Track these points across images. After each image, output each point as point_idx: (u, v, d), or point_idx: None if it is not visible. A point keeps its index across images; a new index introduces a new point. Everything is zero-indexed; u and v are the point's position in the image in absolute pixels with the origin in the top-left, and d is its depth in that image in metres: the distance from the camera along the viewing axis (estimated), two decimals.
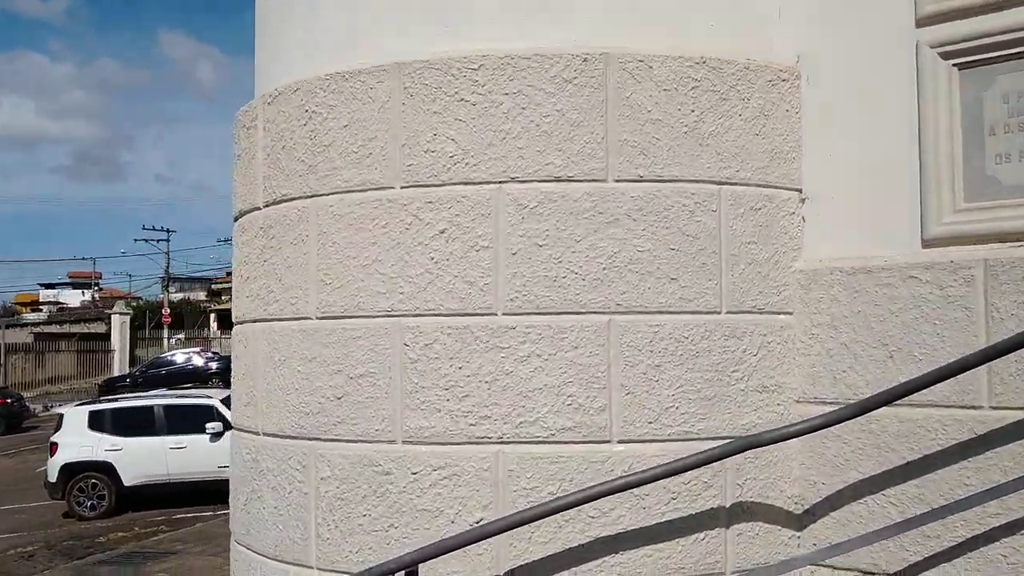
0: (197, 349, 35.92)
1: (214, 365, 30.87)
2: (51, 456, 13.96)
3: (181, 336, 47.52)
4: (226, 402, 14.27)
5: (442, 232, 3.45)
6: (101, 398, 18.38)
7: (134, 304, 53.12)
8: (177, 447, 13.93)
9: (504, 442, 3.36)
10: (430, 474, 3.42)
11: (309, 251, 3.70)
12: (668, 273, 3.38)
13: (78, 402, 16.83)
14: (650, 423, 3.35)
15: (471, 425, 3.40)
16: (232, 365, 4.43)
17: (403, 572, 3.22)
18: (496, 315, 3.40)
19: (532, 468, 3.35)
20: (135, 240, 59.81)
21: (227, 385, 10.81)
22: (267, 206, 3.95)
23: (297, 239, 3.77)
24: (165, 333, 46.46)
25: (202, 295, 78.98)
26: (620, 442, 3.34)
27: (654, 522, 3.32)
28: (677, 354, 3.37)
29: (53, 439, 14.14)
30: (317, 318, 3.67)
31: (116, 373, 35.74)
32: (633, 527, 3.32)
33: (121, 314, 39.54)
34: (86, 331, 43.65)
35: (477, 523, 3.34)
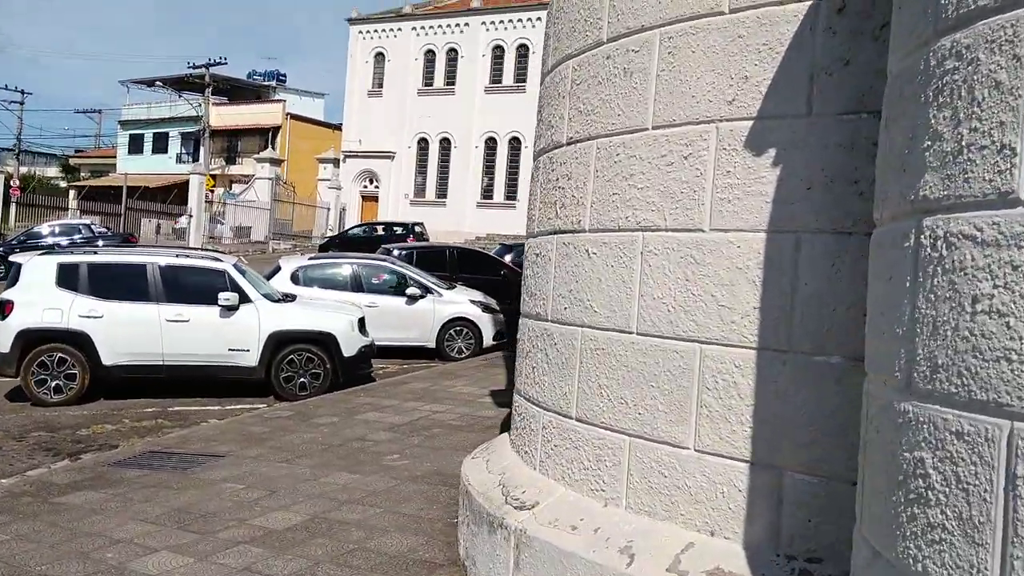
0: (91, 220, 31.16)
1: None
2: (1, 318, 10.43)
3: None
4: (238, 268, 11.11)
5: None
6: (71, 249, 14.54)
7: None
8: (177, 319, 10.67)
9: None
10: None
11: None
12: None
13: (42, 251, 12.94)
14: None
15: None
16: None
17: None
18: None
19: None
20: None
21: None
22: None
23: None
24: (12, 209, 40.48)
25: (51, 171, 71.70)
26: None
27: None
28: None
29: (5, 296, 10.55)
30: None
31: None
32: None
33: None
34: None
35: None
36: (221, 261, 11.44)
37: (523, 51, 42.73)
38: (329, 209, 45.85)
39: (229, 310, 10.74)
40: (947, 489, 2.26)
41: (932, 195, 2.37)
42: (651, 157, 4.36)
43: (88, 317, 10.46)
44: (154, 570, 5.19)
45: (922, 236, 2.40)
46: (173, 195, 49.44)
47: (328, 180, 46.89)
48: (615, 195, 4.55)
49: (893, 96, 2.76)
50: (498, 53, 43.65)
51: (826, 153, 3.72)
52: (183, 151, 59.20)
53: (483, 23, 43.96)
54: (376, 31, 47.19)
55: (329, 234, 42.59)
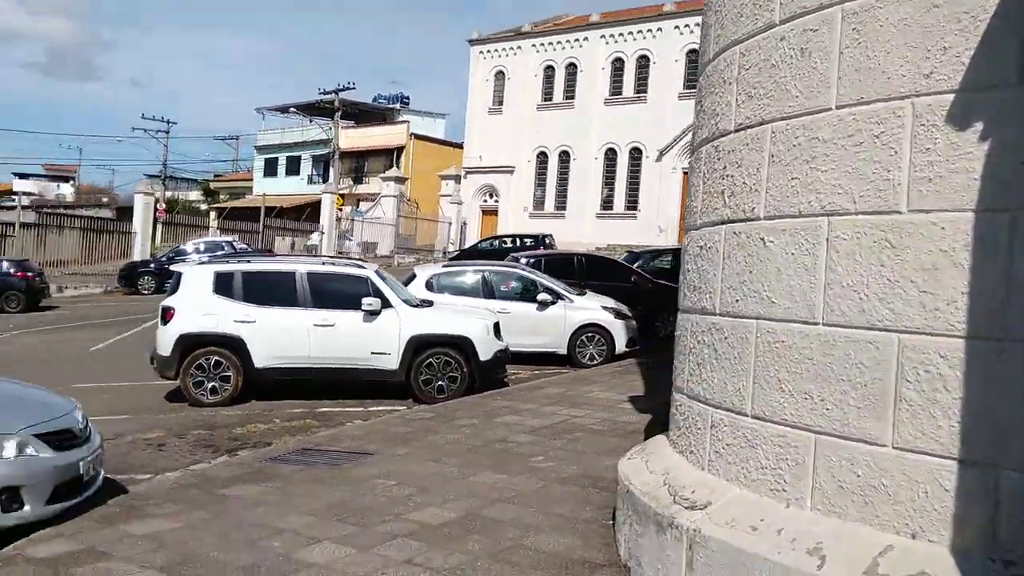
0: (232, 238, 32.60)
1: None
2: (163, 324, 10.92)
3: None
4: (380, 275, 11.31)
5: None
6: (226, 258, 15.21)
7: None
8: (323, 324, 10.92)
9: None
10: None
11: None
12: None
13: (200, 260, 13.56)
14: None
15: None
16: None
17: None
18: None
19: None
20: (132, 129, 56.02)
21: None
22: None
23: None
24: (159, 229, 42.72)
25: (192, 195, 75.37)
26: None
27: None
28: None
29: (167, 303, 11.04)
30: None
31: (137, 257, 32.39)
32: None
33: (146, 194, 35.81)
34: (91, 215, 39.94)
35: None
36: (364, 268, 11.67)
37: (643, 62, 42.39)
38: (451, 224, 46.56)
39: (372, 315, 10.91)
40: None
41: None
42: (836, 138, 4.14)
43: (242, 322, 10.83)
44: (319, 559, 5.24)
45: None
46: (306, 214, 51.25)
47: (450, 196, 47.63)
48: (794, 180, 4.35)
49: None
50: (617, 65, 43.44)
51: None
52: (314, 172, 61.57)
53: (602, 36, 43.87)
54: (496, 50, 47.75)
55: (451, 248, 43.20)
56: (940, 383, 3.66)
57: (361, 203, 53.48)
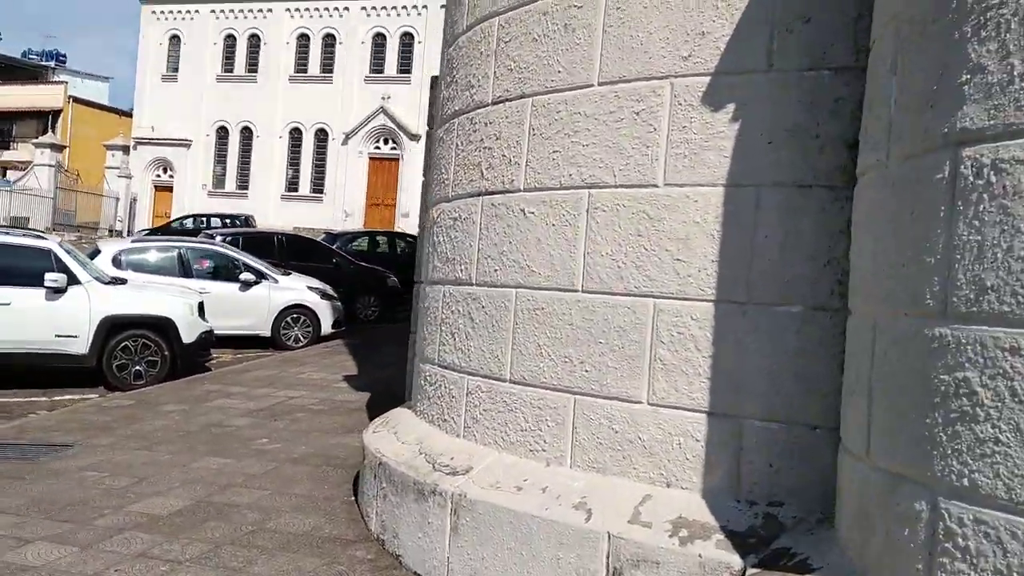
0: None
1: None
2: None
3: None
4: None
5: None
6: None
7: None
8: None
9: None
10: None
11: None
12: None
13: None
14: None
15: None
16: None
17: None
18: None
19: None
20: None
21: None
22: None
23: None
24: None
25: None
26: None
27: None
28: None
29: None
30: None
31: None
32: None
33: None
34: None
35: None
36: (46, 239, 10.34)
37: (329, 40, 41.69)
38: (119, 199, 42.75)
39: (56, 292, 9.69)
40: (999, 404, 2.38)
41: (974, 126, 2.50)
42: (598, 114, 4.35)
43: None
44: (36, 562, 4.60)
45: (962, 166, 2.52)
46: None
47: (117, 168, 43.73)
48: (555, 153, 4.51)
49: (905, 40, 2.89)
50: (303, 42, 42.34)
51: (787, 108, 3.85)
52: None
53: (287, 9, 42.53)
54: (171, 12, 44.50)
55: (119, 225, 39.79)
56: (692, 343, 4.00)
57: (8, 172, 47.44)
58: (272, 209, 40.41)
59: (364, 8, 41.07)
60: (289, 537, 5.11)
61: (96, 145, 46.48)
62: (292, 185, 41.95)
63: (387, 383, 9.82)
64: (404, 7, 40.16)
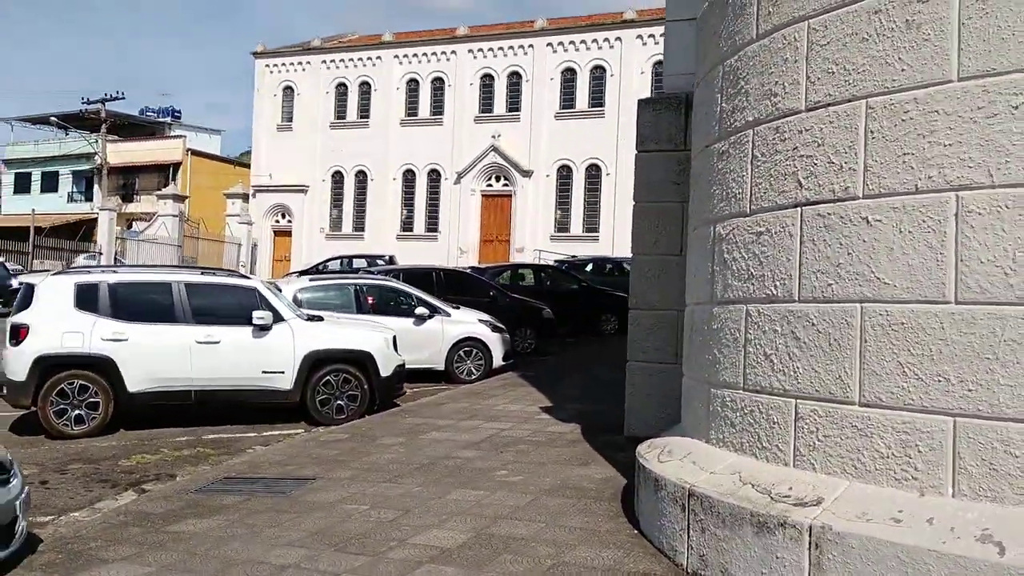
0: (1, 259, 28.71)
1: None
2: (13, 344, 9.21)
3: None
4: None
5: None
6: (89, 267, 13.15)
7: None
8: (207, 341, 9.65)
9: None
10: None
11: None
12: None
13: (55, 270, 11.48)
14: None
15: None
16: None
17: None
18: None
19: None
20: None
21: None
22: None
23: None
24: None
25: None
26: None
27: None
28: None
29: (18, 320, 9.29)
30: None
31: None
32: None
33: None
34: None
35: None
36: (250, 278, 10.50)
37: (438, 84, 42.39)
38: (240, 245, 44.06)
39: (262, 330, 9.78)
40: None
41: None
42: (961, 111, 4.03)
43: (112, 341, 9.35)
44: None
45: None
46: (80, 234, 46.79)
47: (237, 215, 45.12)
48: (906, 156, 4.20)
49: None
50: (412, 87, 43.17)
51: None
52: (75, 189, 56.38)
53: (395, 56, 43.45)
54: (284, 65, 46.00)
55: (242, 270, 40.88)
56: None
57: (134, 223, 49.47)
58: (388, 248, 40.96)
59: (471, 51, 41.68)
60: (596, 573, 4.85)
61: (212, 193, 48.16)
62: (407, 224, 42.54)
63: (590, 415, 9.59)
64: (512, 47, 40.60)
